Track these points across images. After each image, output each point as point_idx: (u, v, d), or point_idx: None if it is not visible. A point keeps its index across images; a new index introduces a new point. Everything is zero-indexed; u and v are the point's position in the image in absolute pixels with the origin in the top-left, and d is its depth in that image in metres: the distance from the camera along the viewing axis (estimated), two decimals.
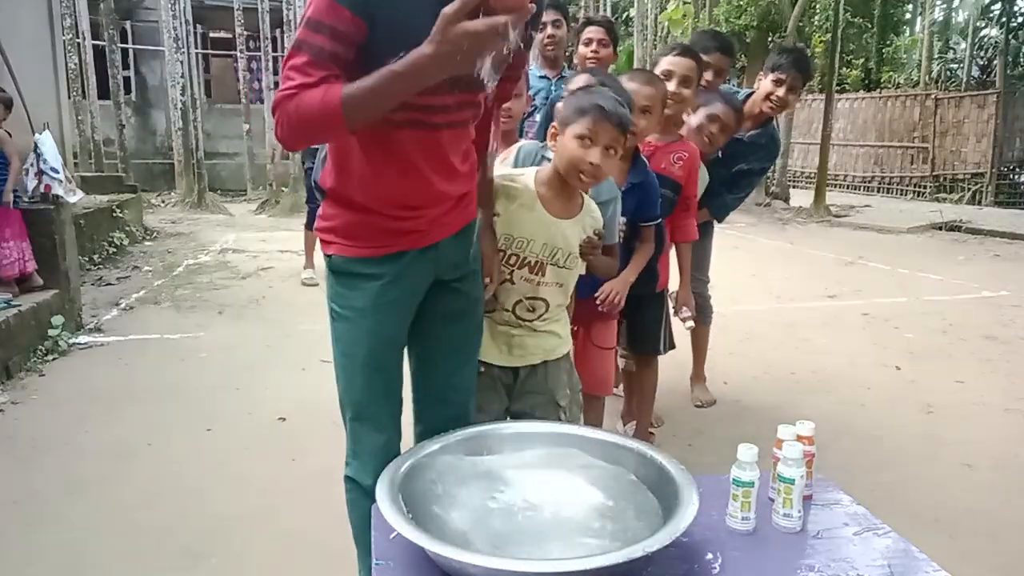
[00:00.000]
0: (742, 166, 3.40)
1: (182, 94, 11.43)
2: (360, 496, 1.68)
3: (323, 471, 2.71)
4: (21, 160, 4.68)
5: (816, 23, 16.93)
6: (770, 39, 14.37)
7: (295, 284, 6.30)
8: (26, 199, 4.74)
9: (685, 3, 14.24)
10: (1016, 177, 14.02)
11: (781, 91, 3.27)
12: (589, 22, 3.62)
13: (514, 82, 1.81)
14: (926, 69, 17.00)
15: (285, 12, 12.40)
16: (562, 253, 1.97)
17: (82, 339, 4.65)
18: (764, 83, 3.33)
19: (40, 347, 4.27)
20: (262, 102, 12.75)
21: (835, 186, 15.69)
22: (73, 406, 3.60)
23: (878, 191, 15.81)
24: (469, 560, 1.10)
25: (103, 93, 11.84)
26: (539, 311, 2.00)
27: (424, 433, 1.70)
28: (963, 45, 18.15)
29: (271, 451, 3.13)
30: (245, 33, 11.82)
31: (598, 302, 2.33)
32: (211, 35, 15.36)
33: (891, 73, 19.09)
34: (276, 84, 13.06)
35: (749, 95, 3.43)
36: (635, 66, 12.10)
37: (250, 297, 5.90)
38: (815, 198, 12.14)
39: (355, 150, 1.54)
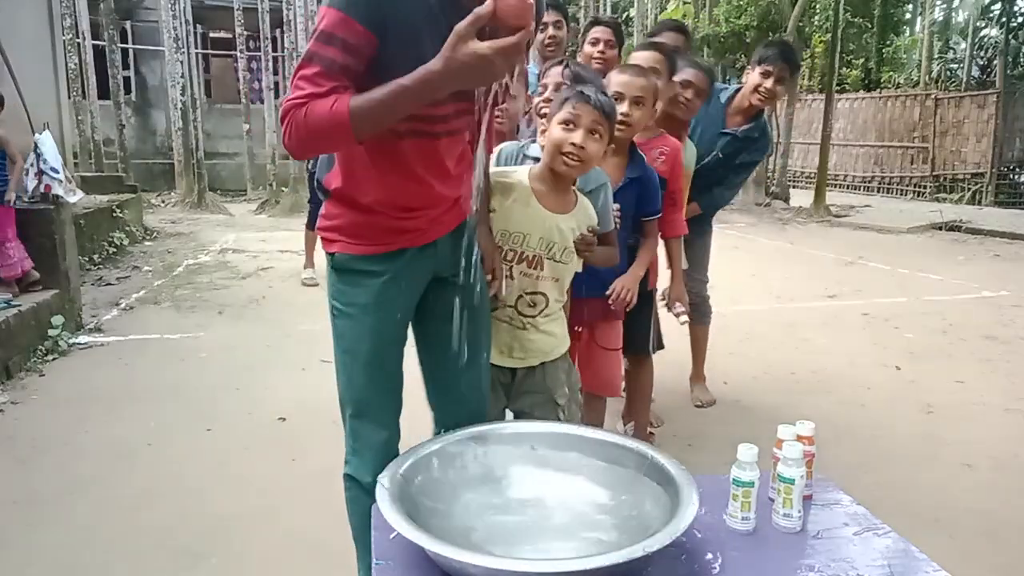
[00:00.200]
0: (736, 160, 3.41)
1: (182, 94, 11.44)
2: (360, 494, 1.69)
3: (323, 471, 2.70)
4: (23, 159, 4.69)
5: (816, 23, 16.95)
6: (770, 39, 14.36)
7: (295, 284, 6.30)
8: (25, 199, 4.74)
9: (685, 3, 14.26)
10: (1016, 177, 14.02)
11: (769, 83, 3.27)
12: (597, 22, 3.59)
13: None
14: (926, 69, 17.01)
15: (285, 12, 12.41)
16: (558, 247, 1.99)
17: (82, 339, 4.65)
18: (752, 76, 3.33)
19: (40, 347, 4.27)
20: (262, 102, 12.74)
21: (835, 186, 15.69)
22: (73, 406, 3.60)
23: (878, 191, 15.81)
24: (469, 560, 1.10)
25: (103, 93, 11.86)
26: (540, 306, 2.02)
27: None
28: (963, 45, 18.14)
29: (271, 451, 3.14)
30: (245, 33, 11.82)
31: (610, 300, 2.32)
32: (211, 35, 15.37)
33: (891, 73, 19.10)
34: (276, 84, 13.10)
35: (737, 90, 3.43)
36: None
37: (250, 297, 5.90)
38: (815, 198, 12.14)
39: (361, 156, 1.57)
